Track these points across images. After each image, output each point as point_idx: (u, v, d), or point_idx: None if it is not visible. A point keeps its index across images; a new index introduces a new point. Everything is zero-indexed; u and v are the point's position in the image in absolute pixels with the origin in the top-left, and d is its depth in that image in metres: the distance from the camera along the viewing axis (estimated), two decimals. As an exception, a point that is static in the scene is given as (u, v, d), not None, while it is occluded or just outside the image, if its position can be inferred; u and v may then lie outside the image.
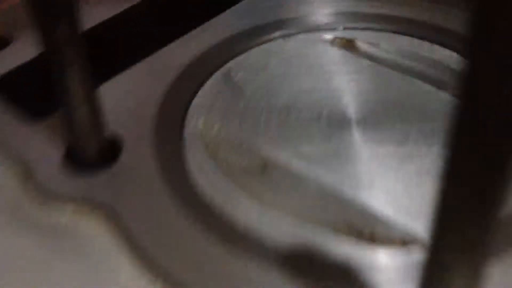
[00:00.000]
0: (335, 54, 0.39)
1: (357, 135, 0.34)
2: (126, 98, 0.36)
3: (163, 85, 0.37)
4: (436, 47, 0.39)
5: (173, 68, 0.38)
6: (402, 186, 0.31)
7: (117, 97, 0.36)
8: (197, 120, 0.35)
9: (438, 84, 0.37)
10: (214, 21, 0.41)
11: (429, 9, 0.42)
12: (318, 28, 0.41)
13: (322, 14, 0.42)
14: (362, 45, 0.40)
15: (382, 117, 0.35)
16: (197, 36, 0.40)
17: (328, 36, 0.40)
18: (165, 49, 0.39)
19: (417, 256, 0.28)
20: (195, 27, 0.41)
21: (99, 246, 0.29)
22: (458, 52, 0.39)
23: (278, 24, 0.41)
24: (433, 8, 0.42)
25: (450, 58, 0.38)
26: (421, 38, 0.40)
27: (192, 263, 0.28)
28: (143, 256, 0.28)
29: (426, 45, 0.39)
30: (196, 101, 0.36)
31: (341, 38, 0.40)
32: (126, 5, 0.42)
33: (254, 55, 0.39)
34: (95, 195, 0.31)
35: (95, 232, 0.30)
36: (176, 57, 0.39)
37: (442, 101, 0.36)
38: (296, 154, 0.33)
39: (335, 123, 0.35)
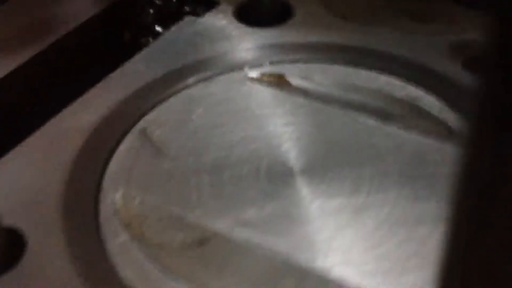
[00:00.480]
0: (265, 94, 0.35)
1: (303, 190, 0.29)
2: (24, 178, 0.30)
3: (68, 155, 0.31)
4: (374, 74, 0.35)
5: (78, 133, 0.32)
6: (362, 244, 0.27)
7: (11, 178, 0.30)
8: (113, 194, 0.29)
9: (383, 116, 0.33)
10: (120, 71, 0.36)
11: (360, 33, 0.38)
12: (242, 66, 0.36)
13: (243, 50, 0.37)
14: (293, 80, 0.35)
15: (328, 163, 0.30)
16: (102, 91, 0.35)
17: (254, 73, 0.36)
18: (65, 111, 0.33)
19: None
20: (98, 81, 0.35)
21: None
22: (397, 76, 0.35)
23: (195, 66, 0.36)
24: (364, 32, 0.38)
25: (390, 85, 0.34)
26: (356, 65, 0.36)
27: None
28: None
29: (362, 73, 0.35)
30: (110, 170, 0.30)
31: (269, 75, 0.36)
32: (13, 65, 0.36)
33: (172, 106, 0.34)
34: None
35: None
36: (80, 119, 0.33)
37: (390, 135, 0.32)
38: (237, 221, 0.28)
39: (277, 177, 0.30)
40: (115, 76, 0.36)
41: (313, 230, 0.27)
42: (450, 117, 0.32)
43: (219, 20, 0.40)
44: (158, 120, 0.33)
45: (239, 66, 0.36)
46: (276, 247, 0.27)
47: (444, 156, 0.30)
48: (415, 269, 0.25)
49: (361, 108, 0.33)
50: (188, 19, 0.40)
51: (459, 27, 0.38)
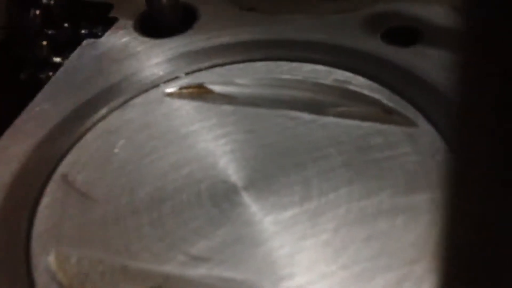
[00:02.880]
0: (188, 108, 0.32)
1: (251, 206, 0.27)
2: None
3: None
4: (295, 64, 0.33)
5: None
6: (326, 252, 0.25)
7: None
8: (46, 257, 0.26)
9: (315, 107, 0.31)
10: (24, 115, 0.32)
11: (272, 23, 0.36)
12: (156, 83, 0.33)
13: (154, 65, 0.34)
14: (214, 87, 0.33)
15: (271, 171, 0.28)
16: (9, 142, 0.31)
17: (171, 89, 0.33)
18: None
19: None
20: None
21: None
22: (320, 63, 0.33)
23: (105, 94, 0.33)
24: (276, 21, 0.36)
25: (314, 72, 0.33)
26: (275, 59, 0.34)
27: None
28: None
29: (284, 66, 0.33)
30: (36, 230, 0.27)
31: (187, 87, 0.33)
32: None
33: (89, 144, 0.31)
34: None
35: None
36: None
37: (327, 126, 0.30)
38: (188, 258, 0.25)
39: (221, 199, 0.27)
40: (20, 122, 0.32)
41: (272, 249, 0.25)
42: (383, 95, 0.31)
43: (121, 37, 0.37)
44: (78, 162, 0.30)
45: (153, 84, 0.33)
46: (238, 276, 0.25)
47: (386, 138, 0.29)
48: (386, 267, 0.24)
49: (291, 103, 0.32)
50: (86, 42, 0.37)
51: (369, -1, 0.37)
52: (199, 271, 0.25)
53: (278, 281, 0.24)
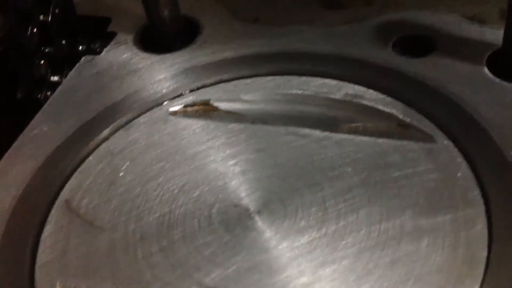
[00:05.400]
0: (194, 127, 0.31)
1: (266, 231, 0.26)
2: None
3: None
4: (305, 79, 0.32)
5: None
6: (349, 279, 0.24)
7: None
8: (51, 290, 0.25)
9: (327, 124, 0.30)
10: (22, 138, 0.31)
11: (277, 35, 0.35)
12: (160, 101, 0.32)
13: (156, 82, 0.33)
14: (220, 104, 0.32)
15: (285, 193, 0.27)
16: (8, 167, 0.30)
17: (176, 107, 0.32)
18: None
19: None
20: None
21: None
22: (330, 76, 0.32)
23: (108, 113, 0.32)
24: (281, 34, 0.35)
25: (325, 87, 0.31)
26: (283, 73, 0.32)
27: None
28: None
29: (293, 80, 0.32)
30: (40, 261, 0.26)
31: (193, 105, 0.32)
32: None
33: (92, 167, 0.29)
34: None
35: None
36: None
37: (341, 144, 0.29)
38: (203, 288, 0.24)
39: (233, 224, 0.26)
40: (19, 145, 0.31)
41: (291, 277, 0.24)
42: (398, 109, 0.30)
43: (121, 53, 0.35)
44: (81, 187, 0.28)
45: (157, 102, 0.32)
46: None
47: (404, 155, 0.28)
48: (415, 293, 0.23)
49: (302, 119, 0.30)
50: (85, 59, 0.35)
51: (377, 7, 0.36)
52: (214, 303, 0.24)
53: (298, 311, 0.23)
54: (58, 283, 0.25)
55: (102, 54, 0.35)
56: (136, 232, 0.26)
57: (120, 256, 0.26)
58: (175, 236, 0.26)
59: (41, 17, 0.34)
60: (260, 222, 0.26)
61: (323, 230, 0.25)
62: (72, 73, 0.34)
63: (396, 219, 0.25)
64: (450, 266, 0.23)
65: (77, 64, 0.35)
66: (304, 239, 0.25)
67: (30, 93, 0.35)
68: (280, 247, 0.25)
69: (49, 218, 0.27)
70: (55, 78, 0.35)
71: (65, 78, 0.34)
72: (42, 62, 0.34)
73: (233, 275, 0.24)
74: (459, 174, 0.27)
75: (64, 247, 0.26)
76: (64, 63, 0.35)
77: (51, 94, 0.34)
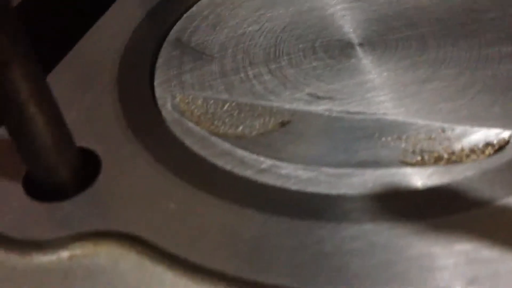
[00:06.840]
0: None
1: (369, 57, 0.27)
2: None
3: (108, 74, 0.28)
4: None
5: (111, 53, 0.29)
6: (453, 92, 0.25)
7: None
8: (172, 101, 0.27)
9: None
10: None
11: None
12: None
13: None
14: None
15: (384, 31, 0.29)
16: (118, 12, 0.32)
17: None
18: (83, 40, 0.30)
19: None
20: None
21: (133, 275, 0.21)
22: None
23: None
24: None
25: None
26: None
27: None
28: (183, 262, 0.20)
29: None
30: (158, 81, 0.28)
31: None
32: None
33: (196, 15, 0.31)
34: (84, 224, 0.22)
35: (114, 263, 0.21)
36: (103, 43, 0.30)
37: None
38: (314, 99, 0.26)
39: (337, 53, 0.28)
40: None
41: (393, 94, 0.26)
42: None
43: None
44: (188, 28, 0.31)
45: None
46: (364, 110, 0.25)
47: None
48: None
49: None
50: None
51: None
52: (325, 107, 0.25)
53: (404, 116, 0.25)
54: (178, 95, 0.27)
55: None
56: (245, 59, 0.28)
57: (232, 77, 0.28)
58: (282, 62, 0.28)
59: None
60: (362, 52, 0.28)
61: (424, 57, 0.27)
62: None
63: (495, 47, 0.27)
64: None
65: None
66: (406, 62, 0.27)
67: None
68: (384, 69, 0.27)
69: (162, 50, 0.30)
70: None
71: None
72: None
73: (341, 89, 0.26)
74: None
75: (179, 70, 0.28)
76: None
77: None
